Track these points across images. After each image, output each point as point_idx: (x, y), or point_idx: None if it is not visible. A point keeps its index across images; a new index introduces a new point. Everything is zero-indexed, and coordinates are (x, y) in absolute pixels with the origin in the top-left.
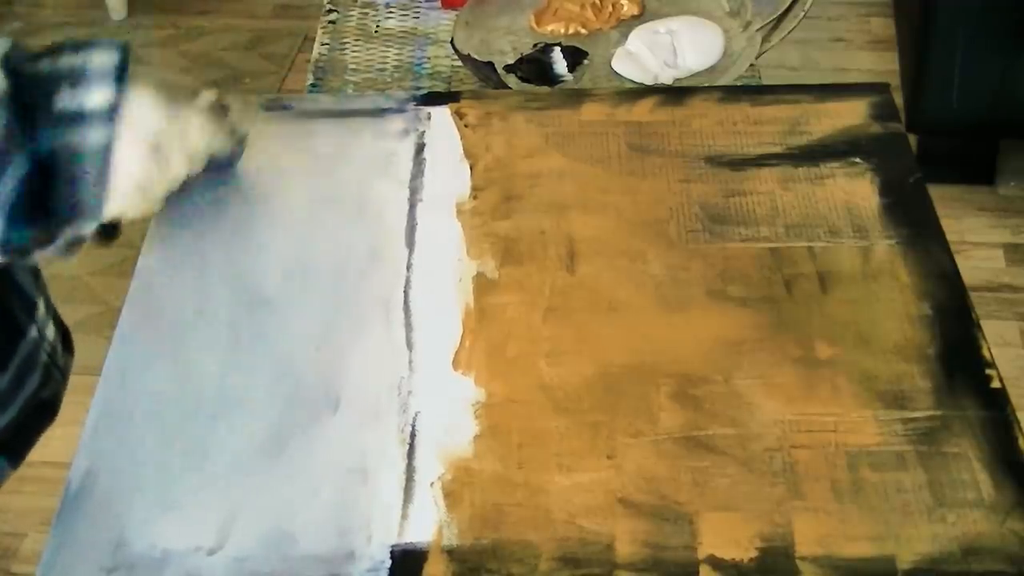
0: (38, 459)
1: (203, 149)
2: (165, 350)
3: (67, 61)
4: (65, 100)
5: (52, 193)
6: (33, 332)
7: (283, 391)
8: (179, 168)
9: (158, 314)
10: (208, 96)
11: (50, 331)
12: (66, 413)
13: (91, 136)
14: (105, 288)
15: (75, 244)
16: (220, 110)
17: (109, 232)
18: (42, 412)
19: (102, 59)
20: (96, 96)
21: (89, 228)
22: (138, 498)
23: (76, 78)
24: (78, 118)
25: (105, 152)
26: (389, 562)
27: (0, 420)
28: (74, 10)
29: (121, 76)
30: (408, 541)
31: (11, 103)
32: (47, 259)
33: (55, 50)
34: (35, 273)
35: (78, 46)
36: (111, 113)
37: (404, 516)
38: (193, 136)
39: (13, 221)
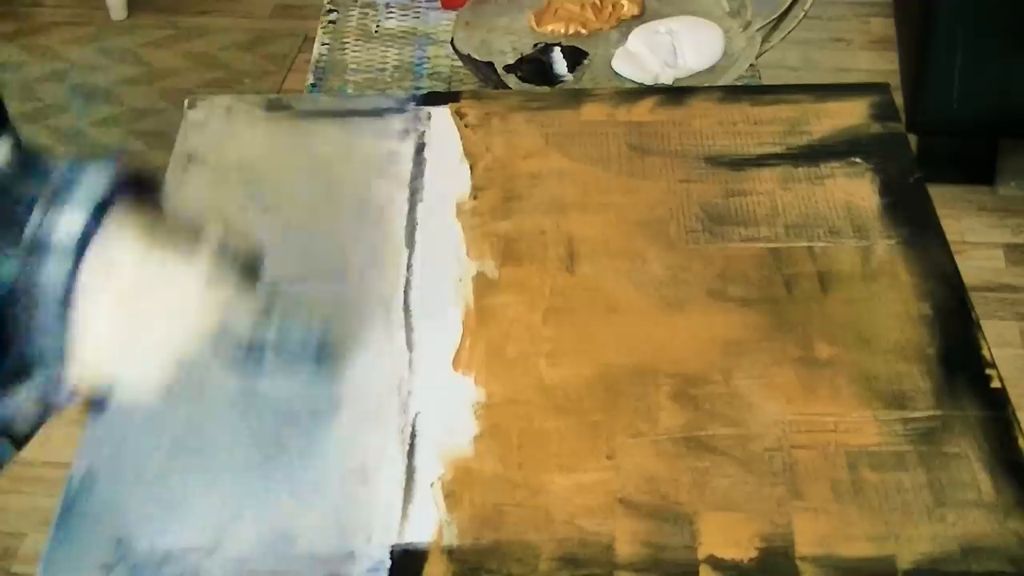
0: (38, 459)
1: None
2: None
3: (55, 178)
4: (33, 225)
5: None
6: None
7: (283, 391)
8: (164, 335)
9: None
10: (212, 239)
11: None
12: (66, 413)
13: (51, 268)
14: None
15: (39, 404)
16: (229, 260)
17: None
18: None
19: (90, 181)
20: (65, 222)
21: (54, 384)
22: (138, 498)
23: (54, 199)
24: (43, 246)
25: (63, 288)
26: (389, 562)
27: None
28: (74, 10)
29: (102, 204)
30: (408, 541)
31: None
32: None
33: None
34: None
35: (73, 165)
36: (79, 244)
37: (404, 516)
38: (186, 295)
39: None
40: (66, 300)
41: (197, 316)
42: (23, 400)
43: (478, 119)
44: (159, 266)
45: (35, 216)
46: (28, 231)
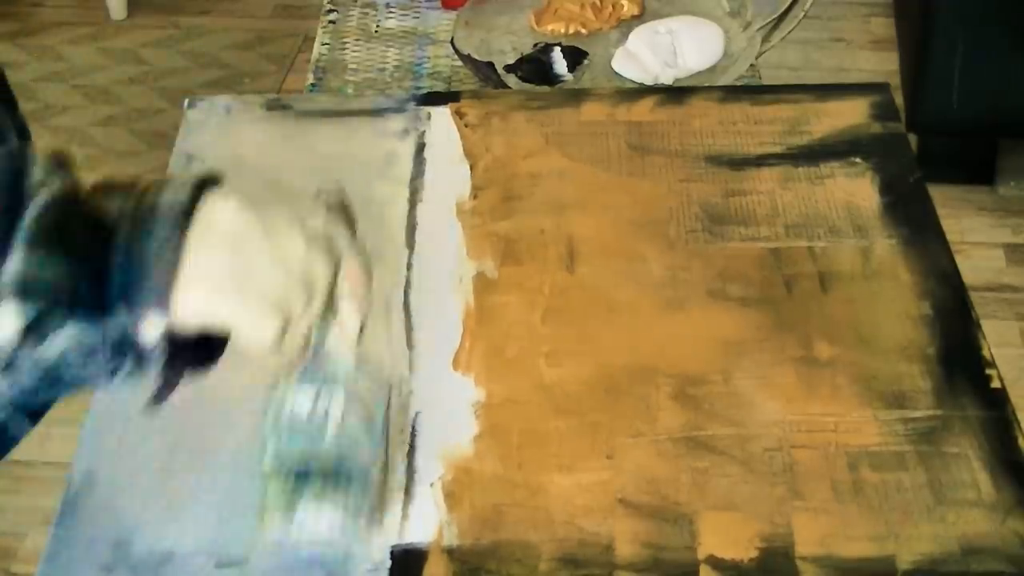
0: (38, 459)
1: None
2: None
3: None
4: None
5: (113, 282)
6: None
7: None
8: (272, 278)
9: None
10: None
11: None
12: (66, 413)
13: (157, 230)
14: None
15: (141, 357)
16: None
17: (170, 378)
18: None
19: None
20: (167, 197)
21: (153, 326)
22: (138, 498)
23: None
24: (147, 218)
25: (174, 227)
26: (389, 562)
27: (20, 380)
28: (74, 10)
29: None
30: (408, 541)
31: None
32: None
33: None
34: None
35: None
36: (183, 213)
37: (404, 516)
38: (290, 245)
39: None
40: (173, 250)
41: (302, 266)
42: (121, 323)
43: (478, 119)
44: (266, 219)
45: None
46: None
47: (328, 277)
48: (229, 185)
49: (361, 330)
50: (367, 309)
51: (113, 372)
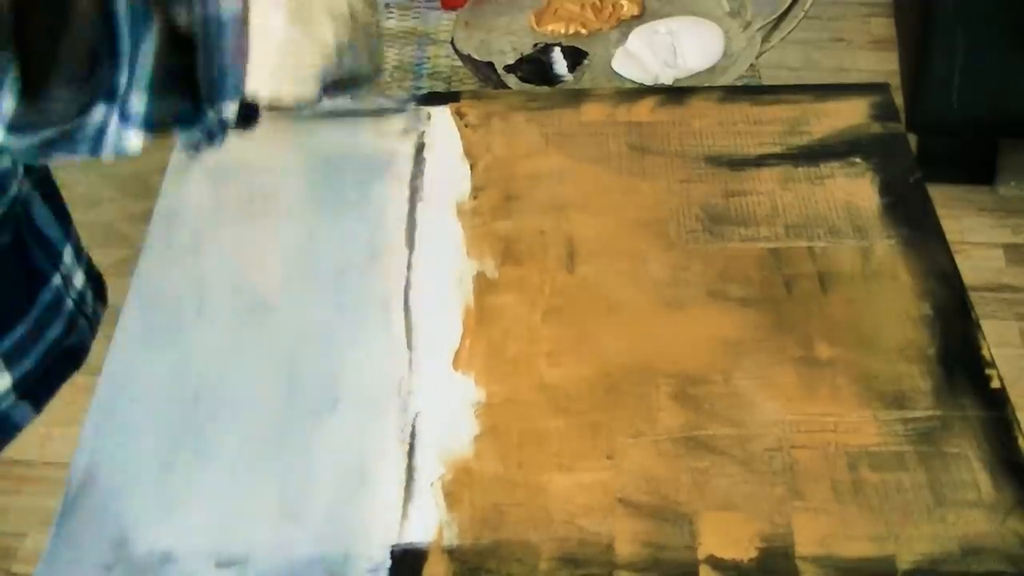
0: (38, 459)
1: (348, 17)
2: (165, 350)
3: None
4: None
5: (190, 68)
6: (56, 280)
7: (283, 391)
8: (326, 33)
9: (158, 314)
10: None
11: (78, 279)
12: (66, 413)
13: (224, 3)
14: None
15: (220, 128)
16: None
17: (250, 114)
18: (67, 359)
19: None
20: None
21: (232, 104)
22: (138, 498)
23: None
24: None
25: (240, 18)
26: (389, 562)
27: (21, 367)
28: None
29: None
30: (408, 541)
31: None
32: (192, 146)
33: None
34: (64, 220)
35: None
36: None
37: (404, 516)
38: (337, 3)
39: (154, 94)
40: (242, 25)
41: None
42: (211, 118)
43: (478, 119)
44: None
45: None
46: None
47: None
48: None
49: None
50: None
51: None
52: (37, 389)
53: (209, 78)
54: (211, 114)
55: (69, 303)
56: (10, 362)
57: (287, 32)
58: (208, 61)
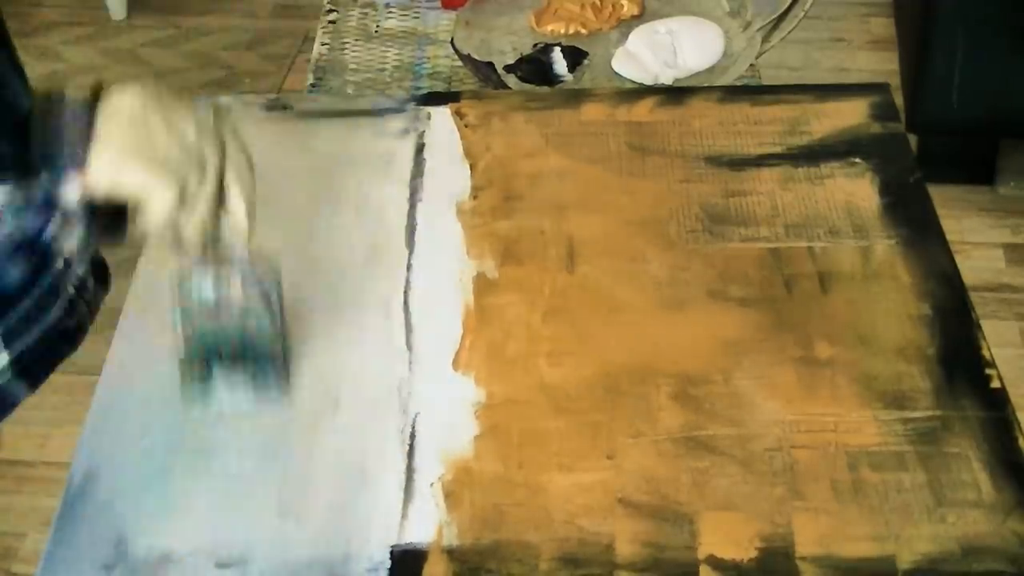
0: (38, 459)
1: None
2: (165, 350)
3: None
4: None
5: (30, 142)
6: (59, 264)
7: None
8: (170, 151)
9: (158, 314)
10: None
11: (80, 266)
12: (66, 413)
13: (68, 97)
14: None
15: (66, 215)
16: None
17: (112, 226)
18: (64, 340)
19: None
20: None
21: (70, 183)
22: (138, 498)
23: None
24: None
25: (84, 106)
26: (389, 562)
27: (19, 345)
28: (74, 10)
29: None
30: (408, 541)
31: None
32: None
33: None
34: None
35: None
36: (90, 98)
37: (404, 516)
38: (185, 127)
39: None
40: (86, 112)
41: (196, 146)
42: (45, 184)
43: (478, 119)
44: (163, 105)
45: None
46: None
47: (217, 159)
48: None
49: (249, 217)
50: (252, 197)
51: (43, 225)
52: (34, 368)
53: (44, 151)
54: (46, 183)
55: (69, 288)
56: (9, 340)
57: (127, 135)
58: (46, 136)
